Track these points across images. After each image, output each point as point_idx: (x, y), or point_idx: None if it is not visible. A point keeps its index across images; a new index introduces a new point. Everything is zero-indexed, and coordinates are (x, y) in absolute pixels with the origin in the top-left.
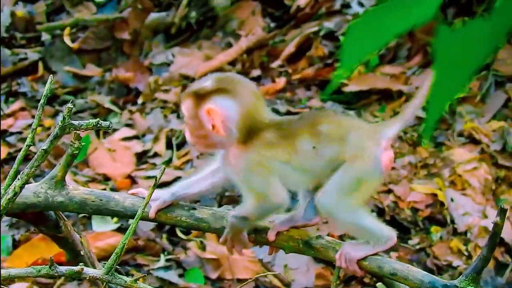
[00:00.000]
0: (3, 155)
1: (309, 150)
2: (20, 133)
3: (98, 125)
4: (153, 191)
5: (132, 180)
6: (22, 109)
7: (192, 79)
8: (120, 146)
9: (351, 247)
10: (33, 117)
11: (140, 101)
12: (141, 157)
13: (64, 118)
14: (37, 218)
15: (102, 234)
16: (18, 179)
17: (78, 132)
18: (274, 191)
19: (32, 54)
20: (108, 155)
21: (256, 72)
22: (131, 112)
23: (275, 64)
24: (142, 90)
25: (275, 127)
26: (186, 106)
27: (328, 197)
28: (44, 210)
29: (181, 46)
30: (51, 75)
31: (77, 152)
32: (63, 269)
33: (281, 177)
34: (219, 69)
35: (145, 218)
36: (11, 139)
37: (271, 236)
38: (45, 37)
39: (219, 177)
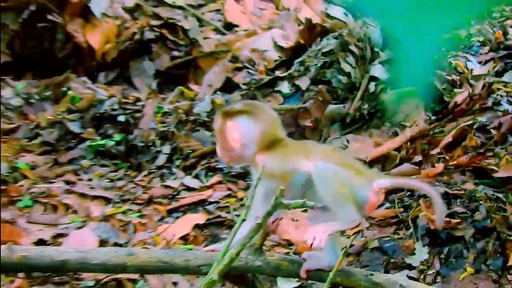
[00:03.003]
0: (202, 221)
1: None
2: (217, 202)
3: (304, 204)
4: (343, 259)
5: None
6: (219, 182)
7: (364, 162)
8: (302, 216)
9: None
10: (228, 189)
11: None
12: None
13: (276, 198)
14: (237, 278)
15: None
16: (234, 248)
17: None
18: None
19: None
20: (292, 224)
21: (418, 158)
22: None
23: (434, 152)
24: None
25: (293, 142)
26: (217, 122)
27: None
28: (243, 273)
29: (354, 133)
30: None
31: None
32: None
33: (293, 175)
34: (387, 155)
35: (322, 280)
36: (210, 207)
37: (302, 273)
38: None
39: None
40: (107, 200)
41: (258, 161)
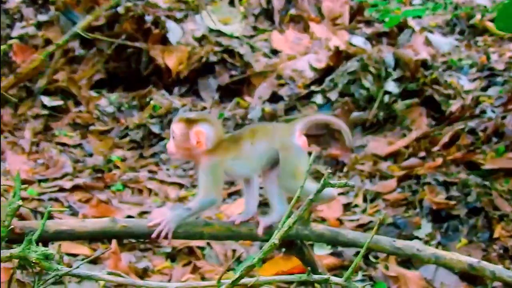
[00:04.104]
0: None
1: (249, 146)
2: None
3: (346, 184)
4: (373, 236)
5: (340, 222)
6: None
7: (380, 157)
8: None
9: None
10: None
11: (345, 170)
12: (346, 206)
13: (324, 179)
14: (288, 244)
15: (321, 256)
16: (292, 218)
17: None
18: (217, 190)
19: None
20: (326, 204)
21: (422, 154)
22: (339, 177)
23: (435, 149)
24: (347, 163)
25: (228, 138)
26: (179, 127)
27: (286, 182)
28: (293, 239)
29: (372, 135)
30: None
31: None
32: (316, 277)
33: (233, 168)
34: (398, 151)
35: (359, 245)
36: (260, 191)
37: (259, 232)
38: None
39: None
40: (181, 185)
41: (205, 158)
